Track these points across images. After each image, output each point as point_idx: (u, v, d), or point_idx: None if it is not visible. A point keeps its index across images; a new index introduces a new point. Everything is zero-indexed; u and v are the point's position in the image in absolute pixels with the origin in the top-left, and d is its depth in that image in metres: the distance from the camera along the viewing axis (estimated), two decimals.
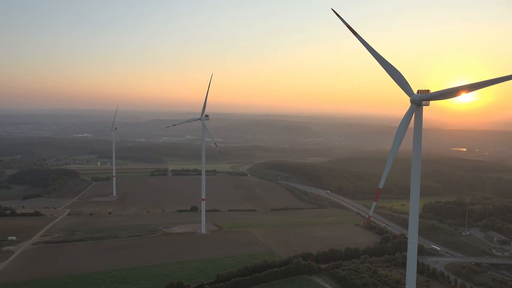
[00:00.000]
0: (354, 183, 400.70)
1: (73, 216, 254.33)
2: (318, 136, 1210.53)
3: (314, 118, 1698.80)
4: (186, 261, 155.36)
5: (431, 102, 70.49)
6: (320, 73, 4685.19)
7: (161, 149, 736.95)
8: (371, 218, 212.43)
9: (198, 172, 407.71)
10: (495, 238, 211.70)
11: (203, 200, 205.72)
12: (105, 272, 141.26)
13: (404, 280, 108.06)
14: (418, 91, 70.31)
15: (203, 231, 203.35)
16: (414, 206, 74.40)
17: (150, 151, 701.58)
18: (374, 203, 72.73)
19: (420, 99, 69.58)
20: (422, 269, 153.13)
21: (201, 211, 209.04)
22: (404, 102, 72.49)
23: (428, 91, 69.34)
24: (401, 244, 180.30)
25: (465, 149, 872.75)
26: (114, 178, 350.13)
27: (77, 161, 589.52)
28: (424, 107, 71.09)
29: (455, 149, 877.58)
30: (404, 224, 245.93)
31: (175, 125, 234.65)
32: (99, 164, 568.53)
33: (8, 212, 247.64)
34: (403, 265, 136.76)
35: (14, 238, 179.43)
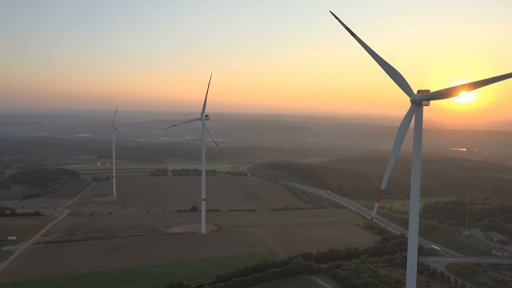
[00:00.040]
0: (354, 183, 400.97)
1: (73, 216, 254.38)
2: (318, 136, 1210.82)
3: (314, 118, 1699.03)
4: (186, 261, 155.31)
5: (431, 102, 70.32)
6: (320, 73, 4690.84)
7: (161, 149, 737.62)
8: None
9: (198, 172, 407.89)
10: (495, 238, 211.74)
11: (203, 200, 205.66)
12: (105, 272, 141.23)
13: (404, 280, 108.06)
14: (418, 91, 70.21)
15: (203, 231, 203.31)
16: (414, 206, 74.31)
17: (150, 151, 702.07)
18: (377, 204, 72.85)
19: (420, 99, 69.47)
20: (422, 269, 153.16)
21: (201, 211, 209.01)
22: (404, 102, 72.61)
23: (428, 91, 69.15)
24: (401, 244, 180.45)
25: (465, 149, 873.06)
26: (114, 178, 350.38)
27: (77, 161, 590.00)
28: (424, 107, 71.01)
29: (455, 149, 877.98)
30: (404, 224, 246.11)
31: (175, 125, 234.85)
32: (99, 164, 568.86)
33: (8, 212, 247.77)
34: (403, 265, 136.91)
35: (14, 238, 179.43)
